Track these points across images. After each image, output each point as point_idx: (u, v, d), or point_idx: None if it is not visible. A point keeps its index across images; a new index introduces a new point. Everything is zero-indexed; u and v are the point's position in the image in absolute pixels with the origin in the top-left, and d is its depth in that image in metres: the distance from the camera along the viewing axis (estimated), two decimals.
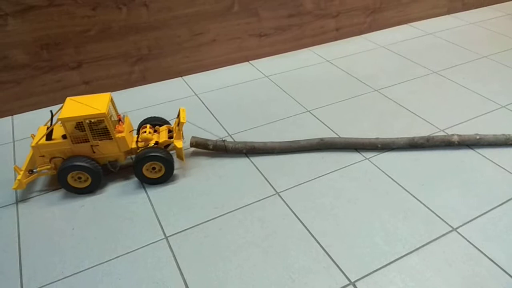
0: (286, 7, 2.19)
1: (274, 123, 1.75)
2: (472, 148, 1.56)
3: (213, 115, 1.81)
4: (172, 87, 2.05)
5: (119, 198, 1.38)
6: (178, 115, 1.44)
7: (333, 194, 1.37)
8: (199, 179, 1.45)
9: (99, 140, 1.34)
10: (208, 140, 1.55)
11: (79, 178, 1.36)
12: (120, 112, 1.46)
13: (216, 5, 2.01)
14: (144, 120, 1.53)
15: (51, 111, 1.43)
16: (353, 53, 2.33)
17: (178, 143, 1.42)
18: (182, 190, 1.41)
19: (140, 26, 1.89)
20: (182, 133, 1.47)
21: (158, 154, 1.36)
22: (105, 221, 1.29)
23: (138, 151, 1.41)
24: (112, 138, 1.35)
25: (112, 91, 1.99)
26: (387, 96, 1.91)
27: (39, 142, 1.33)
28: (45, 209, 1.34)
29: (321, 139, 1.56)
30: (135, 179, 1.45)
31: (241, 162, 1.52)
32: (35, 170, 1.38)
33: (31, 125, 1.76)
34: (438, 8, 2.76)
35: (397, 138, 1.57)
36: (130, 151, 1.42)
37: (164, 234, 1.25)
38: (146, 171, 1.39)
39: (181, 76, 2.13)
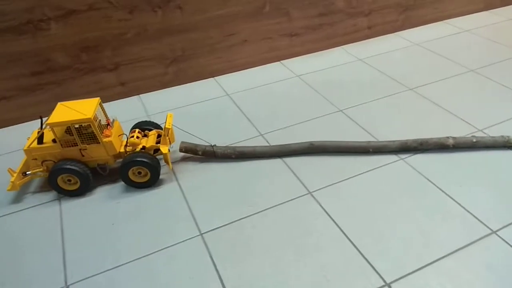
0: (317, 6, 2.18)
1: (306, 122, 1.75)
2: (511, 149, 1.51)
3: (245, 115, 1.83)
4: (204, 88, 2.08)
5: (155, 195, 1.42)
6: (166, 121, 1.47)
7: (367, 195, 1.35)
8: (231, 177, 1.47)
9: (87, 144, 1.39)
10: (197, 145, 1.55)
11: (69, 180, 1.41)
12: (110, 116, 1.48)
13: (248, 6, 2.03)
14: (136, 124, 1.56)
15: (40, 116, 1.46)
16: (386, 51, 2.29)
17: (164, 148, 1.45)
18: (216, 188, 1.43)
19: (174, 28, 1.93)
20: (169, 139, 1.50)
21: (143, 159, 1.38)
22: (142, 217, 1.33)
23: (125, 155, 1.43)
24: (99, 142, 1.38)
25: (146, 92, 2.05)
26: (422, 95, 1.87)
27: (31, 146, 1.39)
28: (85, 206, 1.40)
29: (311, 143, 1.54)
30: (169, 178, 1.49)
31: (273, 162, 1.53)
32: (28, 173, 1.43)
33: None
34: (474, 4, 2.67)
35: (389, 141, 1.52)
36: (118, 155, 1.45)
37: (199, 230, 1.28)
38: (132, 175, 1.42)
39: (213, 77, 2.17)
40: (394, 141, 1.52)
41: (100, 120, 1.41)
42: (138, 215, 1.35)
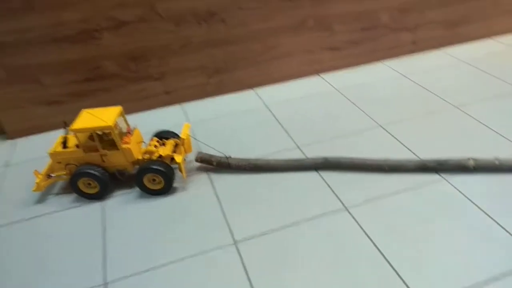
0: (360, 20, 2.17)
1: (345, 137, 1.73)
2: None
3: (282, 127, 1.85)
4: (244, 99, 2.12)
5: (192, 201, 1.45)
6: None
7: (407, 214, 1.32)
8: (267, 187, 1.48)
9: (108, 150, 1.44)
10: (212, 156, 1.57)
11: (89, 184, 1.46)
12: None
13: (291, 20, 2.06)
14: (156, 133, 1.60)
15: (65, 122, 1.52)
16: (431, 68, 2.24)
17: (178, 158, 1.47)
18: (252, 197, 1.45)
19: (217, 40, 2.00)
20: (185, 148, 1.53)
21: (158, 167, 1.42)
22: (179, 223, 1.37)
23: (142, 162, 1.47)
24: (119, 149, 1.43)
25: (189, 101, 2.11)
26: (468, 113, 1.80)
27: (56, 150, 1.46)
28: (127, 207, 1.46)
29: (325, 158, 1.51)
30: (206, 186, 1.53)
31: (310, 175, 1.53)
32: (52, 175, 1.50)
33: None
34: None
35: (407, 160, 1.47)
36: (136, 162, 1.49)
37: (233, 239, 1.29)
38: (147, 182, 1.46)
39: (252, 88, 2.20)
40: (411, 160, 1.48)
41: (121, 128, 1.47)
42: (176, 220, 1.38)
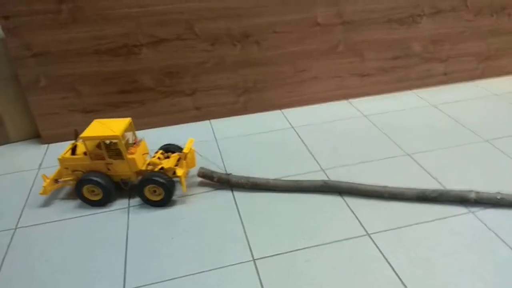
0: (393, 48, 2.19)
1: (370, 163, 1.72)
2: None
3: (308, 149, 1.86)
4: (270, 119, 2.15)
5: (214, 216, 1.47)
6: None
7: (430, 245, 1.29)
8: (289, 207, 1.49)
9: (114, 159, 1.49)
10: (213, 172, 1.60)
11: (93, 191, 1.51)
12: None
13: (322, 44, 2.10)
14: (163, 146, 1.66)
15: (75, 130, 1.58)
16: (462, 100, 2.21)
17: (179, 171, 1.51)
18: (274, 216, 1.45)
19: (250, 61, 2.05)
20: (187, 163, 1.57)
21: (158, 179, 1.46)
22: (200, 235, 1.39)
23: (145, 173, 1.51)
24: (124, 159, 1.48)
25: (217, 118, 2.16)
26: (499, 148, 1.77)
27: (64, 156, 1.53)
28: (151, 218, 1.49)
29: (325, 181, 1.51)
30: (221, 198, 1.56)
31: (332, 199, 1.52)
32: (59, 181, 1.55)
33: (147, 140, 1.99)
34: None
35: (406, 189, 1.46)
36: (140, 172, 1.53)
37: (252, 256, 1.30)
38: (148, 192, 1.50)
39: (280, 109, 2.23)
40: (412, 189, 1.47)
41: (128, 139, 1.52)
42: (197, 232, 1.40)
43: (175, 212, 1.51)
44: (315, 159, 1.78)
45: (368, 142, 1.88)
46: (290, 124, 2.09)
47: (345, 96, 2.28)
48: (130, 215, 1.51)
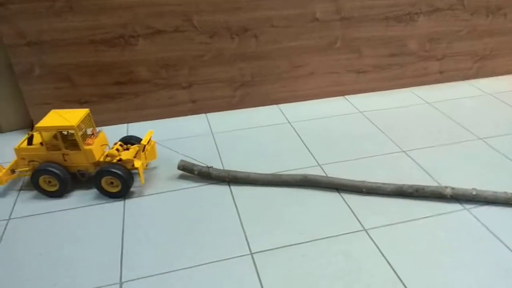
0: (389, 46, 2.20)
1: (366, 159, 1.73)
2: None
3: (304, 144, 1.86)
4: (267, 114, 2.15)
5: (211, 209, 1.47)
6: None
7: (426, 241, 1.30)
8: (287, 202, 1.49)
9: (70, 150, 1.48)
10: (194, 165, 1.60)
11: (49, 182, 1.51)
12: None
13: (320, 40, 2.09)
14: (123, 138, 1.66)
15: (32, 120, 1.56)
16: (456, 98, 2.23)
17: (137, 163, 1.51)
18: (271, 211, 1.45)
19: (247, 55, 2.04)
20: (146, 155, 1.57)
21: (115, 171, 1.46)
22: (197, 229, 1.38)
23: (103, 164, 1.52)
24: (80, 149, 1.48)
25: (213, 112, 2.15)
26: (493, 146, 1.79)
27: (20, 146, 1.52)
28: (147, 210, 1.48)
29: (305, 176, 1.53)
30: (219, 192, 1.55)
31: (330, 195, 1.53)
32: (16, 171, 1.55)
33: (142, 133, 1.97)
34: None
35: (384, 184, 1.49)
36: (97, 163, 1.53)
37: (250, 250, 1.30)
38: (105, 184, 1.50)
39: (276, 104, 2.23)
40: (389, 184, 1.49)
41: (86, 130, 1.52)
42: (194, 226, 1.40)
43: (172, 205, 1.50)
44: (311, 154, 1.78)
45: (364, 138, 1.89)
46: (287, 119, 2.09)
47: (341, 93, 2.29)
48: (126, 207, 1.50)
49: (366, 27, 2.12)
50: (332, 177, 1.54)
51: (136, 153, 1.57)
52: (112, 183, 1.51)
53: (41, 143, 1.51)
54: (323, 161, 1.73)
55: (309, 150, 1.81)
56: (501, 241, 1.29)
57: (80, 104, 1.96)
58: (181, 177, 1.64)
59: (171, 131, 1.99)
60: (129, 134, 1.95)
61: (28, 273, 1.24)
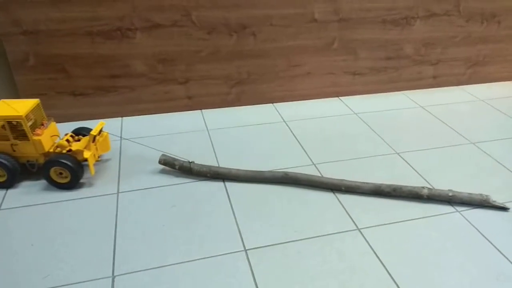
0: (385, 49, 2.22)
1: (360, 159, 1.75)
2: None
3: (299, 143, 1.86)
4: (262, 112, 2.15)
5: (205, 205, 1.46)
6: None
7: (419, 242, 1.32)
8: (281, 200, 1.49)
9: (19, 140, 1.48)
10: (175, 159, 1.61)
11: None
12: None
13: (318, 40, 2.10)
14: (75, 129, 1.65)
15: None
16: (450, 103, 2.26)
17: (86, 153, 1.51)
18: (266, 208, 1.45)
19: (245, 52, 2.04)
20: (98, 147, 1.58)
21: (64, 161, 1.46)
22: (190, 224, 1.38)
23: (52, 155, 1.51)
24: (29, 140, 1.47)
25: (209, 108, 2.15)
26: (485, 151, 1.82)
27: None
28: (140, 204, 1.47)
29: (286, 173, 1.55)
30: (213, 188, 1.54)
31: (325, 195, 1.53)
32: None
33: (136, 127, 1.96)
34: None
35: (363, 183, 1.52)
36: (47, 154, 1.52)
37: (244, 246, 1.30)
38: (54, 174, 1.50)
39: (272, 103, 2.23)
40: (367, 183, 1.52)
41: (35, 120, 1.51)
42: (188, 221, 1.39)
43: (166, 200, 1.49)
44: (306, 153, 1.79)
45: (358, 139, 1.90)
46: (282, 118, 2.09)
47: (337, 94, 2.30)
48: (119, 201, 1.48)
49: (363, 29, 2.14)
50: (312, 175, 1.56)
51: (86, 144, 1.57)
52: (61, 173, 1.50)
53: None
54: (318, 160, 1.74)
55: (303, 149, 1.82)
56: (492, 244, 1.31)
57: (74, 96, 1.93)
58: (177, 172, 1.64)
59: (167, 126, 1.98)
60: (124, 128, 1.94)
61: (20, 264, 1.22)
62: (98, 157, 1.63)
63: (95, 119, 2.01)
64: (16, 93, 1.91)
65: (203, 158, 1.71)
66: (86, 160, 1.51)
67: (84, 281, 1.17)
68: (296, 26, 2.04)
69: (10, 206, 1.45)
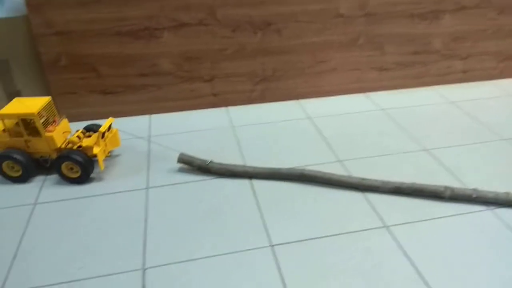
0: (413, 43, 2.17)
1: (387, 156, 1.72)
2: None
3: (324, 140, 1.86)
4: (287, 109, 2.15)
5: (231, 201, 1.48)
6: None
7: (449, 240, 1.29)
8: (307, 197, 1.49)
9: (32, 137, 1.53)
10: (194, 159, 1.62)
11: (13, 167, 1.56)
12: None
13: (343, 36, 2.08)
14: (87, 126, 1.70)
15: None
16: (480, 98, 2.20)
17: (96, 149, 1.55)
18: (292, 205, 1.46)
19: (269, 49, 2.04)
20: (107, 143, 1.62)
21: (74, 156, 1.51)
22: (217, 219, 1.40)
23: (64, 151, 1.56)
24: (42, 136, 1.52)
25: (234, 105, 2.16)
26: None
27: None
28: (169, 199, 1.50)
29: (303, 172, 1.54)
30: (239, 184, 1.56)
31: (352, 193, 1.52)
32: None
33: (164, 125, 2.00)
34: None
35: (383, 182, 1.49)
36: (59, 150, 1.57)
37: (270, 242, 1.31)
38: (65, 169, 1.55)
39: (297, 99, 2.23)
40: (387, 182, 1.49)
41: (48, 117, 1.55)
42: (214, 217, 1.42)
43: (193, 195, 1.52)
44: (332, 150, 1.78)
45: (386, 136, 1.88)
46: (307, 114, 2.09)
47: (363, 90, 2.27)
48: (148, 196, 1.52)
49: (390, 24, 2.10)
50: (330, 173, 1.54)
51: (96, 140, 1.61)
52: (72, 168, 1.55)
53: (4, 130, 1.56)
54: (343, 157, 1.73)
55: (329, 146, 1.81)
56: None
57: (104, 94, 1.99)
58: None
59: (192, 123, 2.01)
60: (152, 125, 1.98)
61: (57, 255, 1.27)
62: (108, 152, 1.68)
63: (124, 116, 2.06)
64: (48, 92, 1.98)
65: (228, 155, 1.73)
66: (96, 156, 1.56)
67: (116, 273, 1.21)
68: (321, 21, 2.03)
69: (45, 200, 1.51)
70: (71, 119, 2.02)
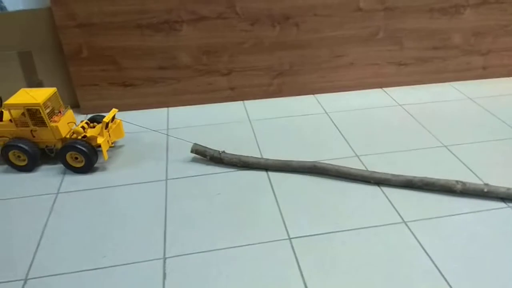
0: (432, 39, 2.15)
1: (405, 152, 1.72)
2: None
3: (342, 135, 1.86)
4: (304, 103, 2.15)
5: (249, 193, 1.50)
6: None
7: (467, 236, 1.29)
8: (325, 190, 1.50)
9: (38, 127, 1.56)
10: (206, 149, 1.64)
11: (19, 157, 1.59)
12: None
13: (362, 30, 2.07)
14: (92, 116, 1.74)
15: (0, 97, 1.65)
16: (500, 95, 2.17)
17: (99, 139, 1.59)
18: (310, 198, 1.47)
19: (287, 43, 2.04)
20: (111, 133, 1.65)
21: (79, 146, 1.54)
22: (236, 212, 1.42)
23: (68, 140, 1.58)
24: (47, 126, 1.54)
25: (251, 99, 2.17)
26: None
27: None
28: (188, 190, 1.53)
29: (314, 164, 1.56)
30: (256, 177, 1.58)
31: (370, 188, 1.52)
32: None
33: (182, 117, 2.02)
34: None
35: (393, 175, 1.49)
36: (64, 139, 1.60)
37: (288, 235, 1.32)
38: (70, 159, 1.59)
39: (314, 94, 2.23)
40: (398, 175, 1.49)
41: (53, 108, 1.58)
42: (233, 209, 1.43)
43: (211, 187, 1.54)
44: (349, 145, 1.78)
45: (403, 131, 1.87)
46: (324, 109, 2.09)
47: (380, 85, 2.26)
48: (168, 187, 1.55)
49: (410, 18, 2.08)
50: (341, 166, 1.55)
51: (100, 131, 1.64)
52: (76, 158, 1.59)
53: (10, 120, 1.59)
54: (361, 152, 1.73)
55: (346, 141, 1.81)
56: None
57: (124, 86, 2.02)
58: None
59: (210, 116, 2.03)
60: (170, 118, 2.01)
61: (78, 244, 1.31)
62: (112, 143, 1.71)
63: (143, 109, 2.09)
64: (69, 84, 2.01)
65: (245, 148, 1.74)
66: (100, 146, 1.60)
67: (138, 262, 1.24)
68: (340, 15, 2.02)
69: (67, 190, 1.55)
70: (93, 111, 2.06)
